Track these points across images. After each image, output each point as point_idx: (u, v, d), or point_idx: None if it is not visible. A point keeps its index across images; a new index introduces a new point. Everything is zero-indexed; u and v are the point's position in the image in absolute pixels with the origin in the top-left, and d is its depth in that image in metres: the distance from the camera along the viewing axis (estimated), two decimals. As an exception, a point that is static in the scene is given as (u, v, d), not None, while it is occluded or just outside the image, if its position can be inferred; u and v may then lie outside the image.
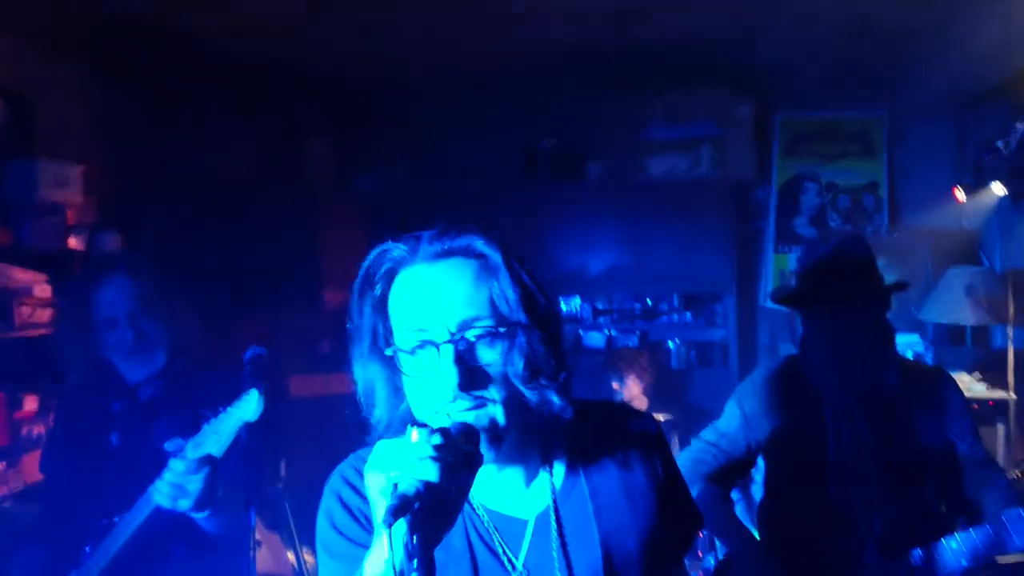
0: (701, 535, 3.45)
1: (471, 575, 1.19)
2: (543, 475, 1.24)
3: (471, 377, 1.11)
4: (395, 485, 0.97)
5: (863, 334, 2.09)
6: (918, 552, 1.98)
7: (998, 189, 3.98)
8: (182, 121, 4.55)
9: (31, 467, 3.32)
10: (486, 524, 1.22)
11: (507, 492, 1.23)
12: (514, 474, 1.22)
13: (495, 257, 1.19)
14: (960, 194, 4.39)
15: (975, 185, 4.25)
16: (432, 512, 0.96)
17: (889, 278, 2.19)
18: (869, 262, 2.14)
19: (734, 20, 4.18)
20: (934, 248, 4.80)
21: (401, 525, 0.94)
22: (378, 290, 1.19)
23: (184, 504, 1.82)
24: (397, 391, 1.20)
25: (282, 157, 5.08)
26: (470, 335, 1.13)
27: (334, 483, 1.26)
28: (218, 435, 1.82)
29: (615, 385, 4.27)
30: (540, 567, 1.21)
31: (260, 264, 4.67)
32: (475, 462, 1.05)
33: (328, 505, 1.24)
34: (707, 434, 2.30)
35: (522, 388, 1.14)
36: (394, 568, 0.93)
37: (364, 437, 1.23)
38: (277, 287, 4.73)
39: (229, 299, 4.38)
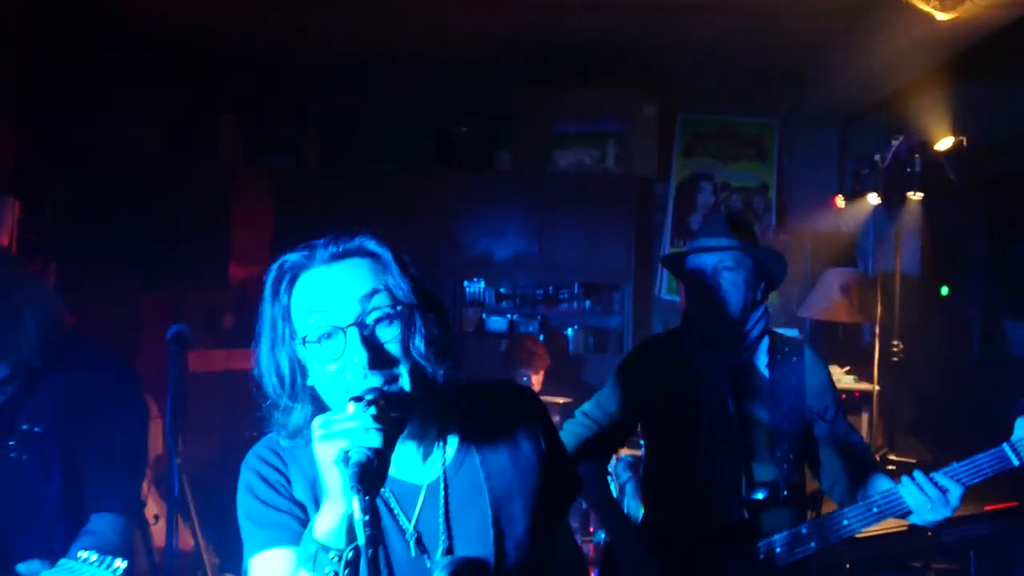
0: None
1: None
2: (437, 448, 1.37)
3: (378, 355, 1.23)
4: (347, 455, 1.10)
5: (738, 301, 2.19)
6: (779, 535, 2.13)
7: (873, 199, 4.32)
8: (90, 92, 4.41)
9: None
10: (384, 487, 1.31)
11: (405, 461, 1.34)
12: (411, 446, 1.34)
13: (386, 255, 1.31)
14: (840, 202, 4.74)
15: (853, 194, 4.59)
16: (376, 472, 1.11)
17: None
18: (748, 225, 2.32)
19: (645, 23, 4.37)
20: (814, 249, 5.16)
21: (356, 487, 1.08)
22: (284, 299, 1.29)
23: None
24: (302, 387, 1.30)
25: (191, 131, 4.99)
26: (371, 318, 1.25)
27: (252, 462, 1.36)
28: None
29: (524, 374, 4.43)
30: (430, 529, 1.33)
31: (165, 238, 4.60)
32: (402, 425, 1.19)
33: (249, 482, 1.35)
34: (587, 406, 2.38)
35: (422, 362, 1.26)
36: (364, 526, 1.07)
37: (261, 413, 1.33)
38: (181, 261, 4.67)
39: (133, 272, 4.31)
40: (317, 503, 1.29)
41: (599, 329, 5.42)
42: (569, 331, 5.41)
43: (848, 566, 3.37)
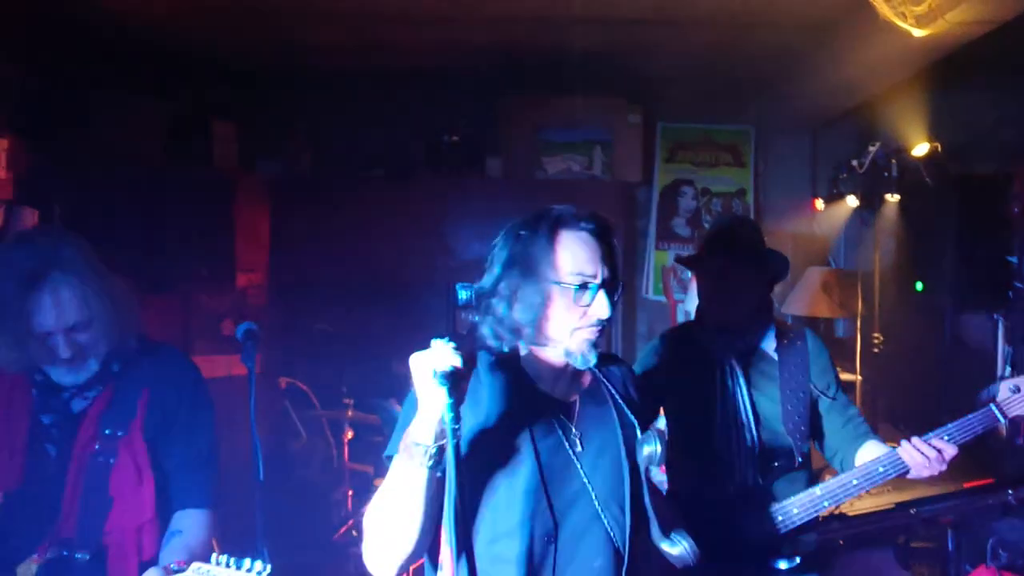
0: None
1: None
2: (578, 379, 1.77)
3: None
4: (435, 370, 1.41)
5: (748, 294, 2.45)
6: (796, 496, 2.36)
7: (852, 202, 4.59)
8: (90, 100, 4.48)
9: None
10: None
11: (559, 385, 1.74)
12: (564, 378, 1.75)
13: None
14: (819, 204, 5.01)
15: (832, 197, 4.86)
16: (458, 385, 1.42)
17: None
18: (758, 233, 2.58)
19: (626, 36, 4.57)
20: (792, 250, 5.41)
21: (444, 389, 1.40)
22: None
23: None
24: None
25: (187, 138, 5.06)
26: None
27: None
28: None
29: None
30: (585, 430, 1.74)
31: (171, 244, 4.68)
32: (474, 361, 1.55)
33: (409, 399, 1.65)
34: None
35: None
36: (447, 412, 1.40)
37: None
38: (188, 266, 4.74)
39: (139, 277, 4.37)
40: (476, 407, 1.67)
41: (587, 329, 5.60)
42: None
43: (841, 542, 3.61)
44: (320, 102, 5.55)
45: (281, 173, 5.41)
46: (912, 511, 3.71)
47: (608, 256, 1.71)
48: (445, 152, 5.49)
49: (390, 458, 1.60)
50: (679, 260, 2.85)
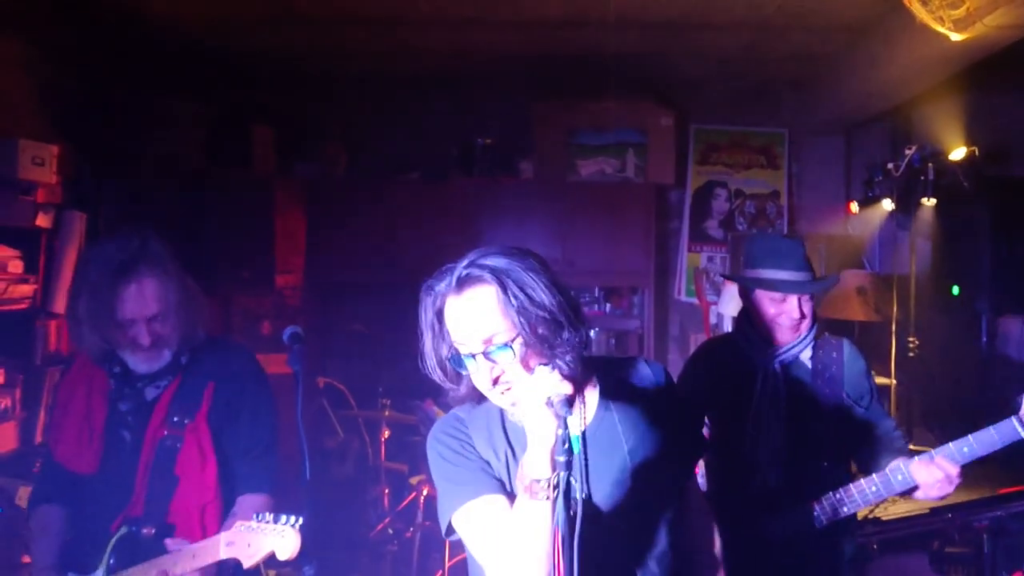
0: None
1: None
2: (579, 407, 1.61)
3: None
4: (549, 399, 1.39)
5: (807, 320, 2.49)
6: (817, 505, 2.39)
7: (887, 205, 4.57)
8: (133, 105, 4.59)
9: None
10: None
11: None
12: None
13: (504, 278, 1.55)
14: (854, 207, 4.99)
15: (867, 200, 4.84)
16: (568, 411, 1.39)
17: None
18: (806, 253, 2.61)
19: (659, 39, 4.59)
20: (826, 253, 5.40)
21: (562, 419, 1.37)
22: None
23: None
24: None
25: (226, 143, 5.16)
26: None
27: (438, 436, 1.65)
28: (250, 547, 1.88)
29: None
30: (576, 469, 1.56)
31: (207, 247, 4.78)
32: (579, 386, 1.50)
33: (440, 451, 1.63)
34: None
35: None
36: (566, 449, 1.35)
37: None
38: (223, 269, 4.85)
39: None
40: (496, 455, 1.58)
41: (620, 331, 5.65)
42: (592, 333, 5.63)
43: (875, 546, 3.61)
44: (356, 106, 5.63)
45: (317, 176, 5.49)
46: (947, 516, 3.70)
47: (492, 311, 1.51)
48: (479, 155, 5.54)
49: (451, 528, 1.57)
50: (725, 277, 2.93)
